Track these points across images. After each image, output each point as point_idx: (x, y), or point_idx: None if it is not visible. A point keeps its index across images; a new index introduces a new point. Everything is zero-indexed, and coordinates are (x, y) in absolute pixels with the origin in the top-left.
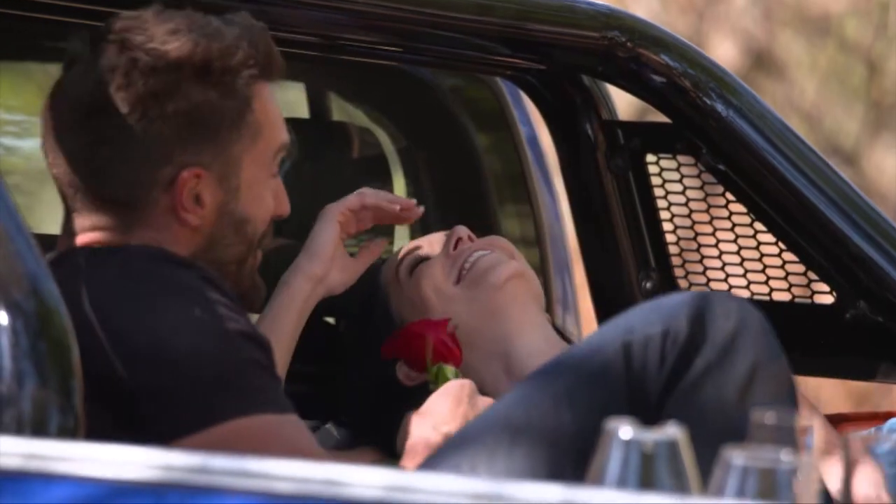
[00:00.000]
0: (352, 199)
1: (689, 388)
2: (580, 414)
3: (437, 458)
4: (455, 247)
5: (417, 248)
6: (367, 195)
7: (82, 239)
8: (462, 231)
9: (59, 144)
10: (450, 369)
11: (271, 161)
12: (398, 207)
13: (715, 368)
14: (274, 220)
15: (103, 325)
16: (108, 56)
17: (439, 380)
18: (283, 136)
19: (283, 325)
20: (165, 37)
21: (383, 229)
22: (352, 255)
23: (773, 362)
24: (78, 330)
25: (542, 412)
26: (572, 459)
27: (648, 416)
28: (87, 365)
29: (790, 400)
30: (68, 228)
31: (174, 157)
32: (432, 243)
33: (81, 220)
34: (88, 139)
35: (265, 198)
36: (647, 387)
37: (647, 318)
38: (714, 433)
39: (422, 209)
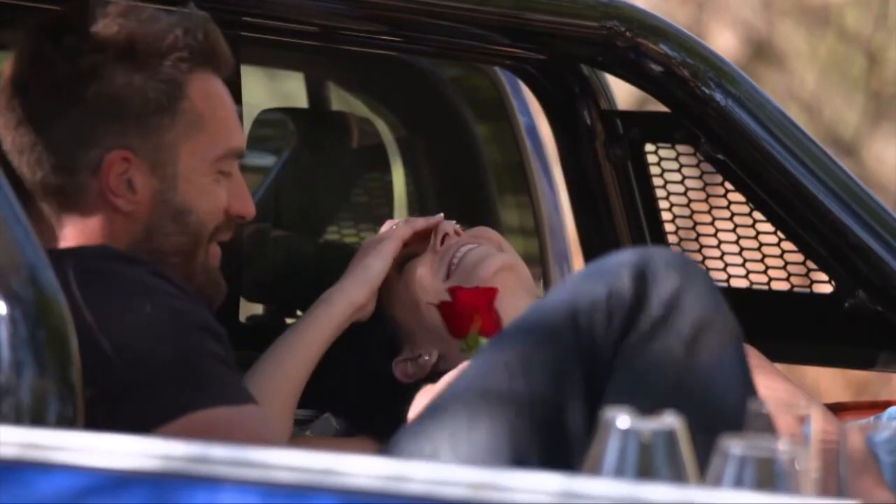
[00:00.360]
0: (403, 231)
1: (636, 344)
2: (534, 381)
3: (401, 437)
4: (442, 242)
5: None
6: (416, 223)
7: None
8: (448, 226)
9: None
10: (484, 341)
11: (220, 158)
12: (441, 216)
13: (660, 325)
14: (236, 220)
15: None
16: (38, 38)
17: (471, 347)
18: (234, 138)
19: (313, 340)
20: (94, 20)
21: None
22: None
23: (719, 316)
24: None
25: (497, 382)
26: (532, 426)
27: (602, 379)
28: None
29: (737, 353)
30: None
31: (99, 139)
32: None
33: (26, 210)
34: (16, 122)
35: (212, 191)
36: (597, 349)
37: (590, 280)
38: (662, 388)
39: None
